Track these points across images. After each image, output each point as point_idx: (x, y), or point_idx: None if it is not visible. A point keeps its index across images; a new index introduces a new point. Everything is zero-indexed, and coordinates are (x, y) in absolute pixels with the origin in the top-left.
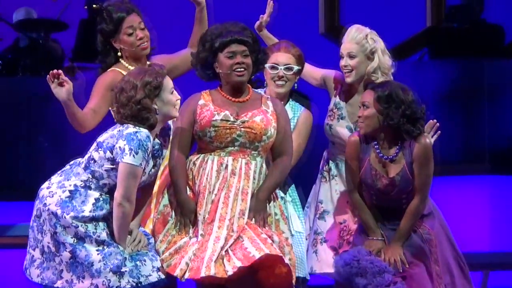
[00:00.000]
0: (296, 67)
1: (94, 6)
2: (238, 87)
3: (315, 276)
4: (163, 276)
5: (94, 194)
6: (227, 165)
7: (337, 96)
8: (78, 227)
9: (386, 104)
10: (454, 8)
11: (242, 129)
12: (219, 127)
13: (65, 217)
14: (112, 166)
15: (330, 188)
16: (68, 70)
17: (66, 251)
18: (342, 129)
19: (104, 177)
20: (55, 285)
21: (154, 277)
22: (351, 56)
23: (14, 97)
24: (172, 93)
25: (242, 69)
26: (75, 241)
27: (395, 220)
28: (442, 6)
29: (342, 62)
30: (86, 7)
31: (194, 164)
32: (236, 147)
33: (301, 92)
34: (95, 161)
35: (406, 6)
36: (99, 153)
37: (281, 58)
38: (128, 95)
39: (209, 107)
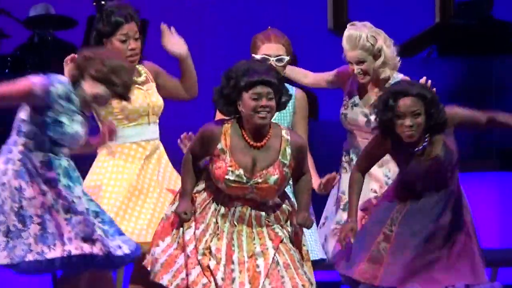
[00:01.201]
0: (287, 58)
1: (102, 2)
2: (259, 129)
3: (321, 272)
4: (128, 252)
5: (39, 155)
6: (234, 212)
7: (349, 87)
8: None
9: (435, 107)
10: (462, 5)
11: (255, 190)
12: (231, 186)
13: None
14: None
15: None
16: None
17: (34, 223)
18: (357, 116)
19: (35, 130)
20: (26, 259)
21: (120, 252)
22: (360, 62)
23: None
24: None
25: (265, 112)
26: (42, 211)
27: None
28: (451, 3)
29: (353, 68)
30: (94, 3)
31: (199, 192)
32: (247, 199)
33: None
34: (24, 120)
35: (414, 2)
36: (24, 110)
37: (272, 49)
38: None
39: (226, 159)
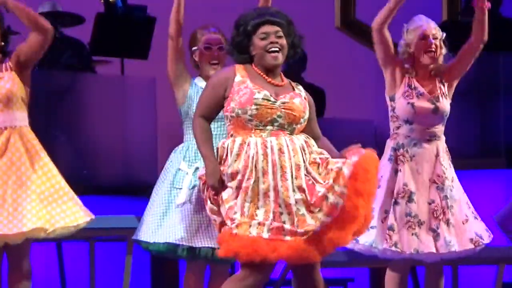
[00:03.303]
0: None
1: (110, 0)
2: (272, 70)
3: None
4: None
5: None
6: (272, 146)
7: (407, 79)
8: None
9: None
10: (470, 2)
11: (283, 110)
12: (261, 106)
13: None
14: None
15: (411, 170)
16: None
17: None
18: (425, 103)
19: None
20: None
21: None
22: (435, 38)
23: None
24: None
25: (276, 49)
26: None
27: None
28: (458, 1)
29: (428, 42)
30: (102, 1)
31: (226, 148)
32: (275, 127)
33: (313, 85)
34: None
35: (421, 0)
36: None
37: (214, 39)
38: None
39: (247, 84)
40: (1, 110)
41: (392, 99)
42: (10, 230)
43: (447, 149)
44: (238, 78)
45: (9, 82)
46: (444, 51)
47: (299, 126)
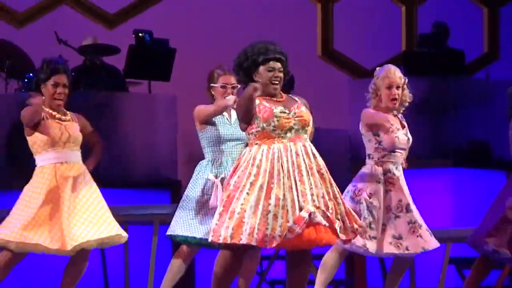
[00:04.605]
0: (238, 86)
1: (140, 34)
2: (274, 94)
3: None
4: None
5: None
6: (291, 149)
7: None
8: None
9: None
10: (424, 36)
11: (296, 118)
12: (280, 117)
13: None
14: None
15: (402, 187)
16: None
17: None
18: (402, 136)
19: None
20: None
21: None
22: (398, 87)
23: (75, 107)
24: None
25: (277, 81)
26: None
27: None
28: (414, 35)
29: (392, 92)
30: (133, 35)
31: (254, 152)
32: (293, 133)
33: None
34: None
35: (385, 34)
36: None
37: (229, 79)
38: None
39: (264, 104)
40: (72, 148)
41: (376, 134)
42: (101, 234)
43: None
44: (257, 102)
45: (77, 129)
46: (406, 92)
47: (308, 128)
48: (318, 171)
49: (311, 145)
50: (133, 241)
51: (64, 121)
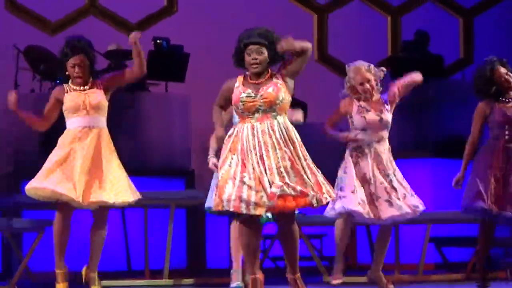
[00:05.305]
0: None
1: (158, 41)
2: (255, 75)
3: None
4: None
5: None
6: (257, 128)
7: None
8: None
9: None
10: (407, 43)
11: (262, 100)
12: (245, 101)
13: None
14: None
15: (369, 163)
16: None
17: None
18: (372, 116)
19: None
20: None
21: None
22: (369, 81)
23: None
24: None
25: (255, 64)
26: None
27: None
28: (399, 41)
29: (364, 88)
30: (152, 41)
31: (233, 132)
32: (260, 113)
33: (298, 99)
34: None
35: (373, 40)
36: None
37: None
38: None
39: (239, 88)
40: (92, 114)
41: (350, 116)
42: (110, 199)
43: (390, 148)
44: (236, 84)
45: (100, 96)
46: (372, 75)
47: (278, 105)
48: (287, 145)
49: (283, 121)
50: (153, 222)
51: (84, 90)
